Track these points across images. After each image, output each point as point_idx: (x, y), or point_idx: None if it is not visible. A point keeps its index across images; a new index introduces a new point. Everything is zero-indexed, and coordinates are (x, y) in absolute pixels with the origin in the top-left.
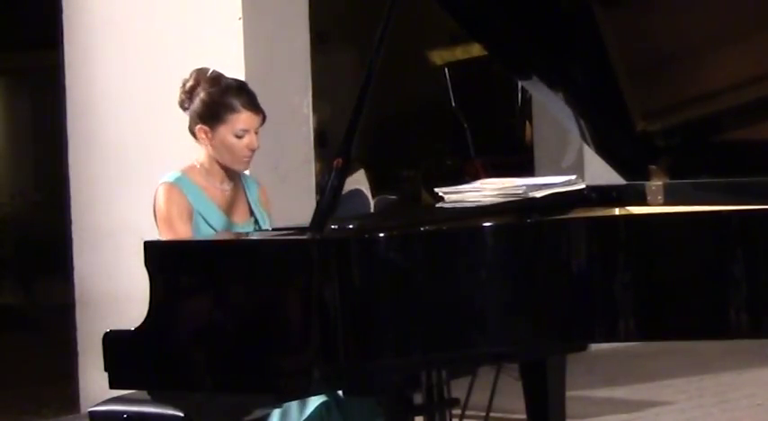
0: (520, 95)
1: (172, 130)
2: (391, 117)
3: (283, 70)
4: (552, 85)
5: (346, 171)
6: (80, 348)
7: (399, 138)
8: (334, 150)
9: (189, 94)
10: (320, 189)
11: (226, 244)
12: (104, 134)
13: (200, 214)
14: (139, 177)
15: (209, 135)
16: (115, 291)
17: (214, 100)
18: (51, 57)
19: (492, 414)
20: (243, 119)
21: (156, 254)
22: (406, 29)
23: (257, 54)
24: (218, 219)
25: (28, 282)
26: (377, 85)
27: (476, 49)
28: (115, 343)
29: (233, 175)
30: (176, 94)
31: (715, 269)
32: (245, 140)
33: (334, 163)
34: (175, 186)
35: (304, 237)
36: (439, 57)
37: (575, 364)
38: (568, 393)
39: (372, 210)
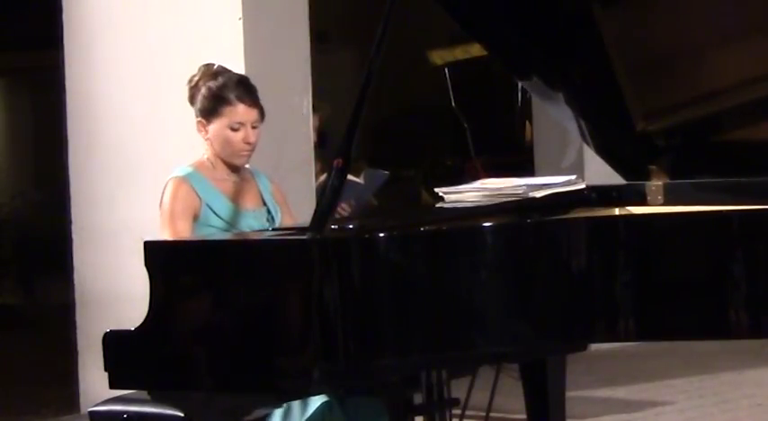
0: (520, 95)
1: (172, 130)
2: (391, 117)
3: (283, 70)
4: (552, 85)
5: (346, 171)
6: (80, 348)
7: (399, 138)
8: (334, 150)
9: (193, 90)
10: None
11: (226, 244)
12: (104, 134)
13: (208, 207)
14: (139, 177)
15: (206, 128)
16: (115, 291)
17: (212, 93)
18: (51, 57)
19: (492, 414)
20: (238, 111)
21: (156, 254)
22: (406, 29)
23: (257, 54)
24: (226, 208)
25: (28, 282)
26: (377, 85)
27: (476, 49)
28: (115, 343)
29: (237, 169)
30: (178, 93)
31: (715, 269)
32: (241, 134)
33: (334, 163)
34: (185, 181)
35: (304, 237)
36: (439, 57)
37: (575, 364)
38: (568, 393)
39: (363, 182)
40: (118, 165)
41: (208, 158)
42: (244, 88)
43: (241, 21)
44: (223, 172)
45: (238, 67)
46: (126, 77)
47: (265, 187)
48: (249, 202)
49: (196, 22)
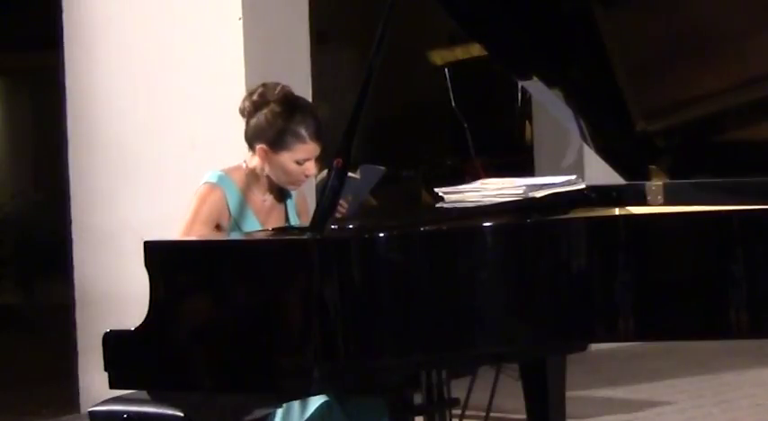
0: (520, 95)
1: (172, 130)
2: (391, 117)
3: (283, 70)
4: (552, 85)
5: (346, 171)
6: (80, 348)
7: (399, 138)
8: (334, 150)
9: (254, 107)
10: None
11: (226, 244)
12: (104, 134)
13: (236, 223)
14: (140, 177)
15: (269, 155)
16: (115, 291)
17: (281, 125)
18: (51, 57)
19: (492, 414)
20: (308, 149)
21: (156, 254)
22: (406, 29)
23: (257, 54)
24: (254, 227)
25: (28, 282)
26: (377, 85)
27: (476, 49)
28: (115, 343)
29: (278, 189)
30: (178, 93)
31: (715, 269)
32: (304, 167)
33: (334, 163)
34: (218, 188)
35: (304, 237)
36: (439, 57)
37: (575, 364)
38: (568, 393)
39: (359, 176)
40: (118, 164)
41: (252, 170)
42: (314, 123)
43: (241, 21)
44: (262, 188)
45: (238, 67)
46: (126, 77)
47: (292, 207)
48: (273, 224)
49: (196, 22)
